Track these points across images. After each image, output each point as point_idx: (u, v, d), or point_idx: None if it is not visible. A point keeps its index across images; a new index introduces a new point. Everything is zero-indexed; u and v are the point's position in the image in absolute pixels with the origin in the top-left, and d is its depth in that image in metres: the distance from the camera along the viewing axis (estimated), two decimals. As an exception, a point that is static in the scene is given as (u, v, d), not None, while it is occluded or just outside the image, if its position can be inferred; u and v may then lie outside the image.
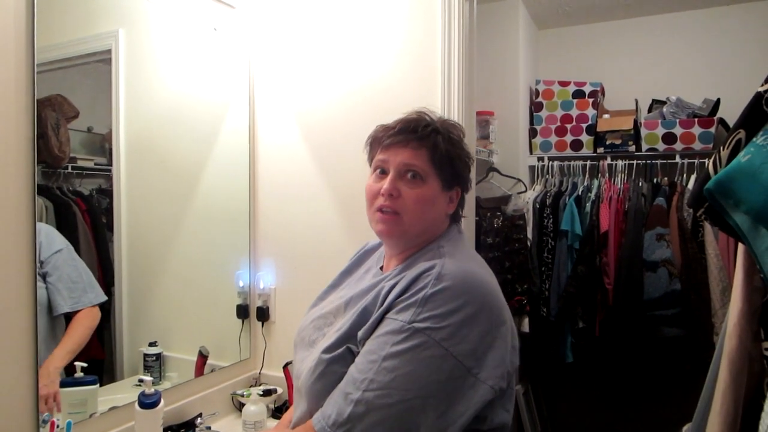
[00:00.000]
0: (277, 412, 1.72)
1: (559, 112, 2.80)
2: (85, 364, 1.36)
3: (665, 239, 2.31)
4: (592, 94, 2.75)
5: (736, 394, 0.84)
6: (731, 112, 2.49)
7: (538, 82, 2.87)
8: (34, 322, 1.22)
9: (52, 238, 1.33)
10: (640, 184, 2.55)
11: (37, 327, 1.23)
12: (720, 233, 2.20)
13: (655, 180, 2.57)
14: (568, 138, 2.76)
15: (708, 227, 2.25)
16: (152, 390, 1.39)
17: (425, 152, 0.95)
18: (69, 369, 1.35)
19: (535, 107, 2.87)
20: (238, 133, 1.89)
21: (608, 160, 2.66)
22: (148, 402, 1.37)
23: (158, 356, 1.61)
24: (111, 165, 1.53)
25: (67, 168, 1.40)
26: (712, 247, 2.22)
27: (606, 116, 2.72)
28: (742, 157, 0.79)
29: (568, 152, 2.76)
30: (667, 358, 2.38)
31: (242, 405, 1.67)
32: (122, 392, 1.49)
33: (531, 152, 2.87)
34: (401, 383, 0.81)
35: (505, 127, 2.74)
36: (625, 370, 2.51)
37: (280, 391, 1.74)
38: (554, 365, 2.63)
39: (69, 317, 1.40)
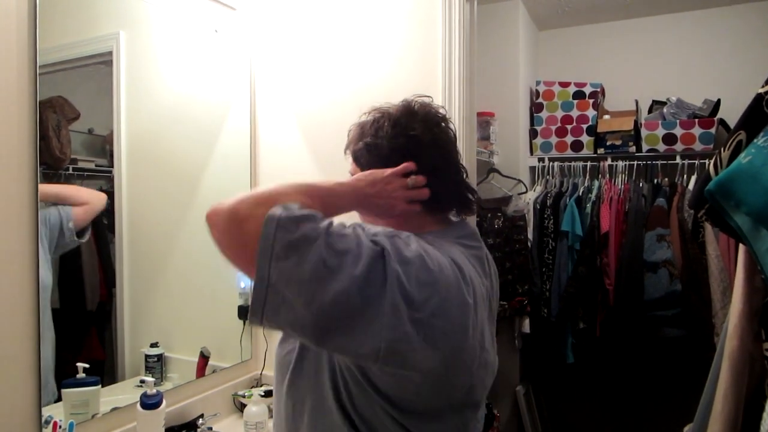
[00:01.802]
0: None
1: (559, 113, 2.80)
2: (86, 365, 1.37)
3: (666, 240, 2.31)
4: (593, 94, 2.75)
5: (737, 394, 0.84)
6: (731, 112, 2.49)
7: (538, 83, 2.88)
8: (37, 322, 1.23)
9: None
10: (641, 184, 2.56)
11: (40, 327, 1.23)
12: (720, 234, 2.20)
13: (655, 181, 2.57)
14: (569, 139, 2.76)
15: (709, 228, 2.25)
16: (154, 391, 1.40)
17: (351, 158, 0.96)
18: (71, 370, 1.36)
19: (535, 108, 2.87)
20: (240, 134, 1.89)
21: (609, 161, 2.67)
22: (149, 403, 1.37)
23: (159, 357, 1.61)
24: (112, 166, 1.53)
25: (68, 169, 1.41)
26: (713, 247, 2.22)
27: (606, 117, 2.72)
28: (743, 158, 0.79)
29: (569, 153, 2.76)
30: (668, 359, 2.38)
31: (244, 406, 1.67)
32: (124, 393, 1.49)
33: (531, 153, 2.87)
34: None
35: (505, 127, 2.75)
36: (626, 370, 2.51)
37: (281, 391, 1.74)
38: (555, 366, 2.63)
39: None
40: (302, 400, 0.84)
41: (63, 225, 1.34)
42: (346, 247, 0.68)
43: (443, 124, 0.92)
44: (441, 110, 0.94)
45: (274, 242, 0.66)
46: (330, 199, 0.80)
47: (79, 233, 1.40)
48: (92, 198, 1.45)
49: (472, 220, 1.00)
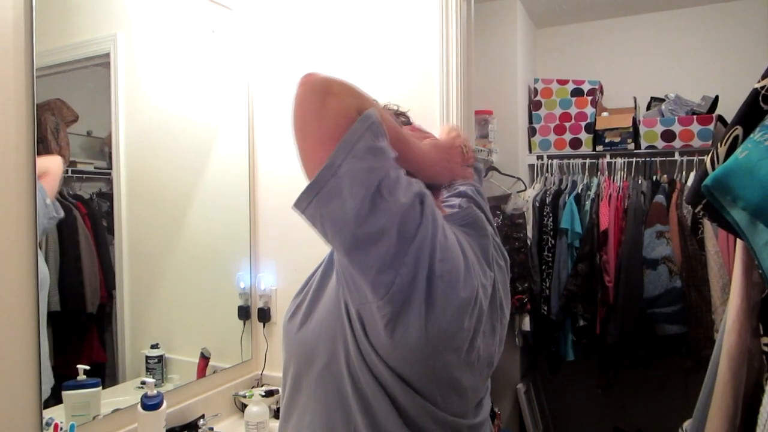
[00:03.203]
0: (279, 412, 1.72)
1: (557, 111, 2.80)
2: (87, 367, 1.37)
3: (665, 236, 2.31)
4: (591, 92, 2.75)
5: (736, 389, 0.84)
6: (730, 108, 2.49)
7: (536, 81, 2.88)
8: (37, 324, 1.23)
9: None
10: (640, 181, 2.56)
11: (39, 327, 1.23)
12: (720, 230, 2.21)
13: (654, 177, 2.57)
14: (567, 136, 2.76)
15: (708, 224, 2.25)
16: (155, 392, 1.40)
17: None
18: (72, 372, 1.36)
19: (533, 106, 2.87)
20: (238, 134, 1.90)
21: (607, 158, 2.67)
22: (150, 404, 1.38)
23: (160, 358, 1.61)
24: (111, 168, 1.53)
25: (67, 172, 1.41)
26: (712, 244, 2.22)
27: (605, 114, 2.72)
28: (740, 153, 0.79)
29: (567, 150, 2.76)
30: (668, 355, 2.38)
31: (245, 406, 1.67)
32: (125, 394, 1.49)
33: (530, 151, 2.87)
34: None
35: (504, 126, 2.75)
36: (626, 367, 2.51)
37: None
38: (555, 363, 2.64)
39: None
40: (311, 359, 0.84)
41: (38, 207, 1.28)
42: (401, 175, 0.71)
43: (401, 119, 0.95)
44: (392, 106, 0.97)
45: (360, 139, 0.67)
46: (399, 140, 0.78)
47: (54, 207, 1.37)
48: (51, 164, 1.38)
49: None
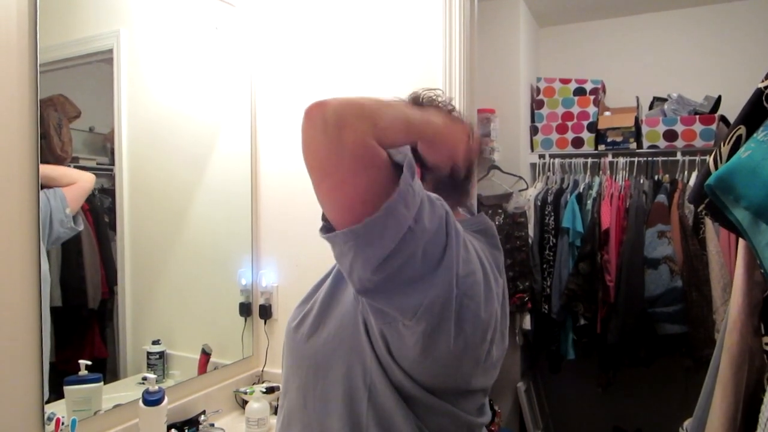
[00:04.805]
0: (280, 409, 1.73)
1: (560, 110, 2.80)
2: (89, 362, 1.37)
3: (666, 236, 2.31)
4: (593, 91, 2.75)
5: (737, 388, 0.84)
6: (732, 109, 2.48)
7: (539, 80, 2.87)
8: (39, 318, 1.23)
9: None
10: (642, 181, 2.56)
11: (42, 323, 1.24)
12: (721, 230, 2.21)
13: (656, 177, 2.57)
14: (570, 135, 2.76)
15: (709, 224, 2.25)
16: (156, 387, 1.40)
17: None
18: (73, 367, 1.36)
19: (536, 105, 2.87)
20: (240, 131, 1.90)
21: (609, 158, 2.66)
22: (151, 399, 1.38)
23: (161, 354, 1.61)
24: (113, 165, 1.53)
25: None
26: (714, 244, 2.22)
27: (607, 113, 2.72)
28: (743, 152, 0.79)
29: (570, 150, 2.76)
30: (668, 355, 2.38)
31: (245, 402, 1.68)
32: (126, 390, 1.50)
33: (532, 150, 2.87)
34: None
35: (506, 124, 2.74)
36: (626, 366, 2.51)
37: (282, 388, 1.75)
38: (556, 362, 2.64)
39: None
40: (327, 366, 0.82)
41: (54, 214, 1.30)
42: (423, 197, 0.67)
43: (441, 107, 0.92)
44: (448, 105, 0.93)
45: (408, 188, 0.64)
46: (415, 127, 0.76)
47: (74, 219, 1.36)
48: (81, 176, 1.40)
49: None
